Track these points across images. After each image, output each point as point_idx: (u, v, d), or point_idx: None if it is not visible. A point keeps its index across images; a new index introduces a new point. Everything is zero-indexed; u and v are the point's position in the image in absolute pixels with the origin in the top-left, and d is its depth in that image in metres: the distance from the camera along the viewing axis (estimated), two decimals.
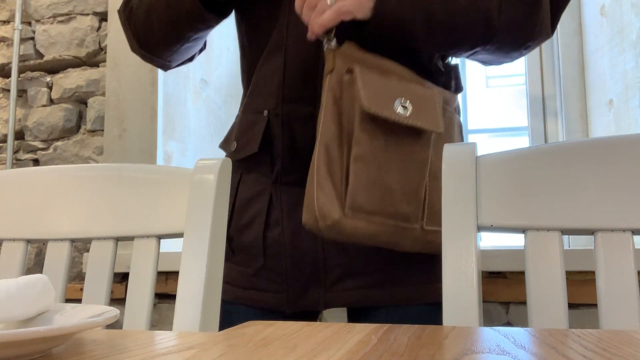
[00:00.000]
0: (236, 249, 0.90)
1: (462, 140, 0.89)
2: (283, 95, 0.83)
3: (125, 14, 0.92)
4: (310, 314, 0.90)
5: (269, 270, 0.86)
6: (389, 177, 0.75)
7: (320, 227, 0.72)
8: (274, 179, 0.86)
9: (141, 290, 0.73)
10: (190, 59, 0.98)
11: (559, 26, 1.42)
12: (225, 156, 0.90)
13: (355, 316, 0.87)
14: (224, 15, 0.89)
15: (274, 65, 0.84)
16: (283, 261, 0.85)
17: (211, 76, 1.71)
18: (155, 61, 0.94)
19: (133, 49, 0.94)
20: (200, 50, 0.98)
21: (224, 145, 0.94)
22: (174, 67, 0.97)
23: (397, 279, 0.82)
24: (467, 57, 0.87)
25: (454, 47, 0.83)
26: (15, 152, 1.63)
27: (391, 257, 0.82)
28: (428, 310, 0.83)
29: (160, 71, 1.52)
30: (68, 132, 1.60)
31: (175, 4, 0.84)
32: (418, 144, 0.78)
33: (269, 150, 0.85)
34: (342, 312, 1.00)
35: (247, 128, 0.87)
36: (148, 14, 0.88)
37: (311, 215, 0.72)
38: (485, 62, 0.90)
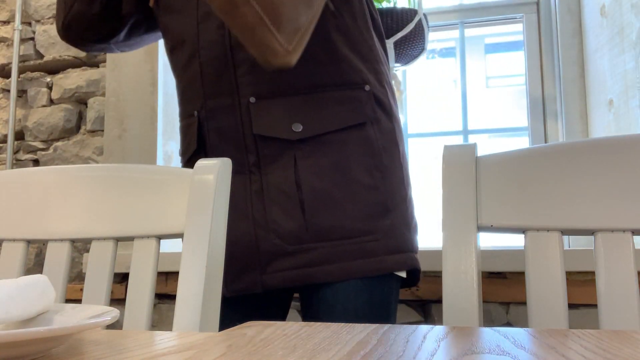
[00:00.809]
0: None
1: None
2: (205, 94, 0.90)
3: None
4: (270, 299, 0.94)
5: None
6: None
7: None
8: None
9: (141, 291, 0.73)
10: (111, 35, 1.03)
11: (558, 26, 1.42)
12: (181, 162, 0.98)
13: (303, 296, 0.89)
14: None
15: (192, 71, 0.91)
16: None
17: None
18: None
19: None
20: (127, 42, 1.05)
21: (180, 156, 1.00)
22: (94, 42, 1.03)
23: (330, 256, 0.84)
24: None
25: None
26: (15, 152, 1.63)
27: (322, 235, 0.84)
28: (367, 283, 0.84)
29: (160, 71, 1.52)
30: (68, 132, 1.60)
31: None
32: None
33: (203, 145, 0.92)
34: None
35: (186, 132, 0.95)
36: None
37: None
38: None
